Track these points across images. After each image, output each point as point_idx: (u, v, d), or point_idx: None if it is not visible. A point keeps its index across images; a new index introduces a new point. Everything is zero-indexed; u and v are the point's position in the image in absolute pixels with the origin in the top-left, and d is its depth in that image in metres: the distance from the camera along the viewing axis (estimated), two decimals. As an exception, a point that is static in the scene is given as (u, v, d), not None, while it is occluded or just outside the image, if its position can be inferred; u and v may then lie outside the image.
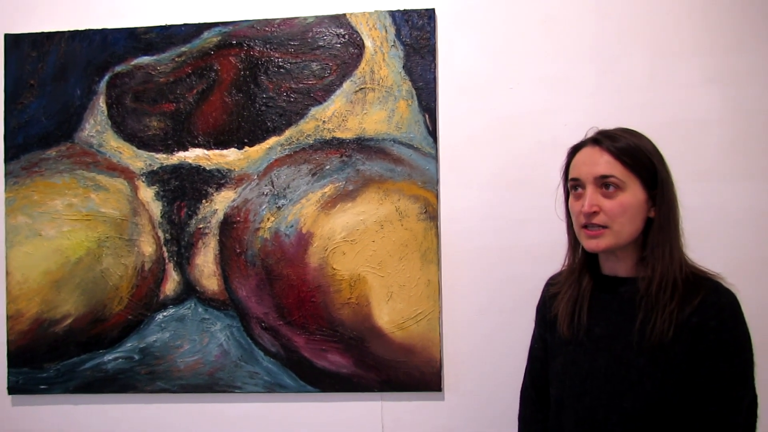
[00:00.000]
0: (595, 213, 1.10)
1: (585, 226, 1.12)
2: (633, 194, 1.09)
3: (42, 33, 1.74)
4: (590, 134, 1.17)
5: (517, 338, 1.62)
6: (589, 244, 1.12)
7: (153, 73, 1.71)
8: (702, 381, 1.04)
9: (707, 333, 1.04)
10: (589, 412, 1.12)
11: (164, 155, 1.70)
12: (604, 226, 1.09)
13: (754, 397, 1.07)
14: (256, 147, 1.68)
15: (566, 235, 1.23)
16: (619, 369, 1.09)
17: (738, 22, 1.57)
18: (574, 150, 1.18)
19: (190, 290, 1.69)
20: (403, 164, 1.63)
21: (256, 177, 1.68)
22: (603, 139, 1.12)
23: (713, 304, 1.05)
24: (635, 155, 1.09)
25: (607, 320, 1.14)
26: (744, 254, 1.54)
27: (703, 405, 1.04)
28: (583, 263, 1.20)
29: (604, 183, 1.10)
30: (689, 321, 1.05)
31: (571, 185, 1.16)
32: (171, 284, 1.69)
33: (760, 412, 1.09)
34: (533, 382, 1.33)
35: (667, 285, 1.07)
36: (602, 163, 1.10)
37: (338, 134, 1.65)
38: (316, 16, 1.67)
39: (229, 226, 1.68)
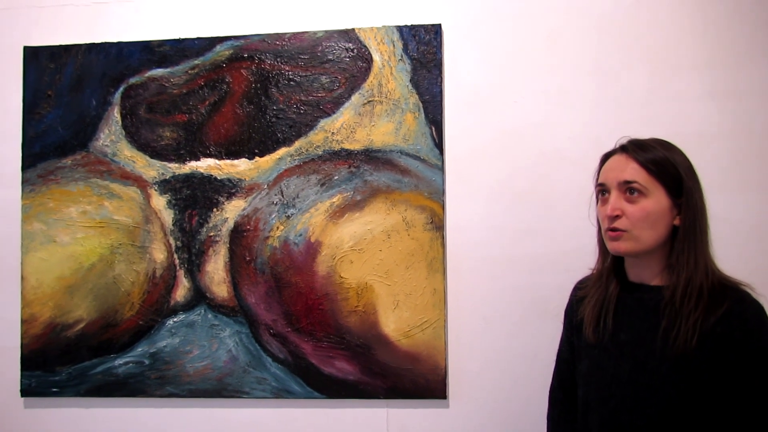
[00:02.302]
0: (617, 217, 1.12)
1: (609, 230, 1.14)
2: (656, 201, 1.11)
3: (60, 45, 1.79)
4: (622, 141, 1.19)
5: (522, 346, 1.65)
6: (612, 245, 1.15)
7: (166, 84, 1.76)
8: (727, 391, 1.05)
9: (732, 344, 1.05)
10: (614, 415, 1.14)
11: (176, 165, 1.75)
12: (626, 230, 1.12)
13: None
14: (267, 157, 1.72)
15: (596, 241, 1.26)
16: (643, 375, 1.11)
17: (737, 38, 1.61)
18: (605, 157, 1.21)
19: (200, 297, 1.72)
20: (409, 175, 1.67)
21: (266, 187, 1.72)
22: (631, 147, 1.15)
23: (739, 314, 1.06)
24: (661, 164, 1.11)
25: (631, 326, 1.15)
26: (743, 265, 1.55)
27: (728, 414, 1.05)
28: (610, 269, 1.22)
29: (628, 188, 1.12)
30: (714, 331, 1.06)
31: (598, 190, 1.19)
32: (181, 291, 1.73)
33: None
34: (561, 384, 1.35)
35: (692, 293, 1.08)
36: (628, 169, 1.12)
37: (347, 145, 1.69)
38: (326, 31, 1.72)
39: (239, 234, 1.72)
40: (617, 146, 1.19)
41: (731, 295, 1.08)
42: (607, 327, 1.18)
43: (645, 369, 1.11)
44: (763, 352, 1.05)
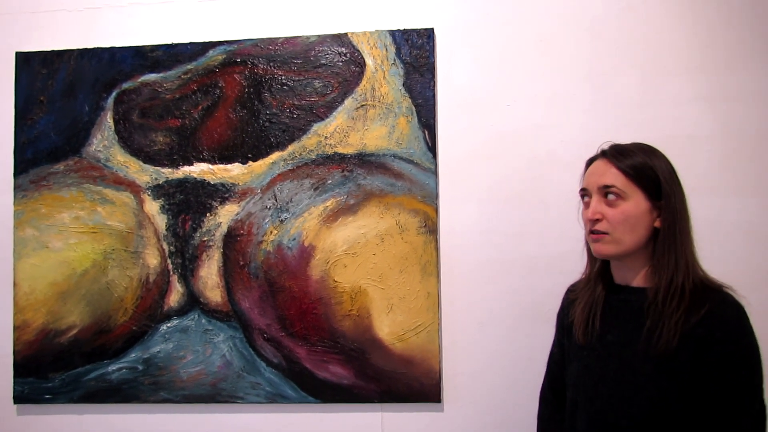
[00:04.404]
0: (598, 220, 1.15)
1: (591, 233, 1.17)
2: (635, 204, 1.13)
3: (52, 51, 1.78)
4: (604, 147, 1.21)
5: (516, 350, 1.65)
6: (594, 248, 1.18)
7: (159, 89, 1.76)
8: (707, 391, 1.06)
9: (712, 344, 1.06)
10: (600, 415, 1.16)
11: (170, 170, 1.74)
12: (606, 233, 1.15)
13: (763, 407, 1.08)
14: (260, 162, 1.72)
15: (583, 246, 1.28)
16: (628, 375, 1.13)
17: (728, 43, 1.62)
18: (589, 162, 1.23)
19: (193, 302, 1.72)
20: (403, 179, 1.67)
21: (259, 191, 1.71)
22: (610, 152, 1.18)
23: (719, 316, 1.07)
24: (639, 168, 1.14)
25: (618, 328, 1.18)
26: (734, 267, 1.57)
27: (707, 414, 1.06)
28: (598, 272, 1.24)
29: (606, 192, 1.15)
30: (695, 331, 1.07)
31: (581, 194, 1.22)
32: (175, 296, 1.72)
33: None
34: (551, 385, 1.38)
35: (674, 294, 1.10)
36: (606, 174, 1.15)
37: (340, 150, 1.69)
38: (319, 35, 1.72)
39: (232, 239, 1.71)
40: (599, 151, 1.22)
41: (712, 296, 1.10)
42: (595, 328, 1.20)
43: (630, 368, 1.13)
44: (743, 352, 1.06)
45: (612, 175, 1.14)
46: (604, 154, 1.19)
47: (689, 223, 1.15)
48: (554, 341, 1.40)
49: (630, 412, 1.12)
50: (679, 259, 1.12)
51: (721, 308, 1.08)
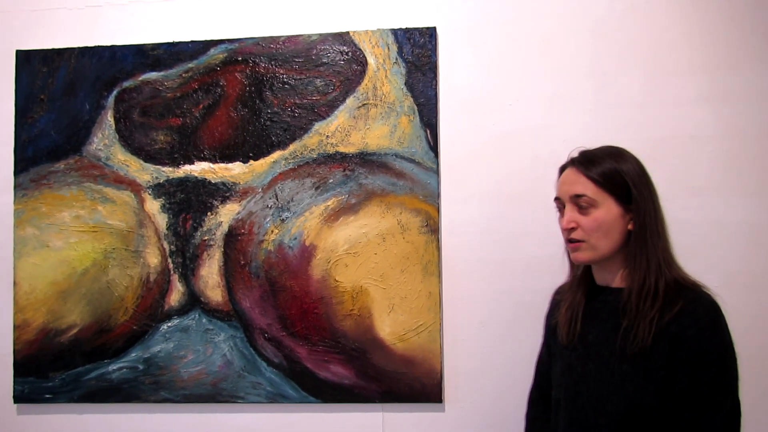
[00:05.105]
0: (573, 229, 1.18)
1: (568, 241, 1.20)
2: (607, 210, 1.15)
3: (52, 49, 1.78)
4: (573, 154, 1.23)
5: (517, 350, 1.64)
6: (572, 256, 1.21)
7: (160, 88, 1.75)
8: (680, 388, 1.08)
9: (684, 341, 1.08)
10: (581, 413, 1.18)
11: (170, 168, 1.74)
12: (583, 240, 1.17)
13: (736, 405, 1.10)
14: (261, 161, 1.71)
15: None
16: (606, 374, 1.16)
17: (731, 43, 1.61)
18: (561, 170, 1.25)
19: (194, 301, 1.71)
20: (404, 178, 1.67)
21: (260, 190, 1.71)
22: (579, 161, 1.20)
23: (691, 313, 1.09)
24: (607, 175, 1.15)
25: (597, 328, 1.20)
26: (737, 268, 1.57)
27: (680, 411, 1.08)
28: (582, 275, 1.27)
29: (578, 201, 1.17)
30: (668, 329, 1.10)
31: (556, 204, 1.24)
32: (176, 295, 1.72)
33: (744, 420, 1.10)
34: (538, 385, 1.42)
35: (648, 294, 1.12)
36: (577, 183, 1.17)
37: (341, 149, 1.69)
38: (320, 34, 1.71)
39: (233, 238, 1.71)
40: (568, 159, 1.23)
41: (686, 294, 1.12)
42: (577, 329, 1.23)
43: (608, 367, 1.16)
44: (715, 350, 1.08)
45: (582, 184, 1.16)
46: (573, 163, 1.20)
47: (662, 224, 1.17)
48: (542, 343, 1.42)
49: (608, 410, 1.14)
50: (651, 260, 1.13)
51: (693, 306, 1.10)
